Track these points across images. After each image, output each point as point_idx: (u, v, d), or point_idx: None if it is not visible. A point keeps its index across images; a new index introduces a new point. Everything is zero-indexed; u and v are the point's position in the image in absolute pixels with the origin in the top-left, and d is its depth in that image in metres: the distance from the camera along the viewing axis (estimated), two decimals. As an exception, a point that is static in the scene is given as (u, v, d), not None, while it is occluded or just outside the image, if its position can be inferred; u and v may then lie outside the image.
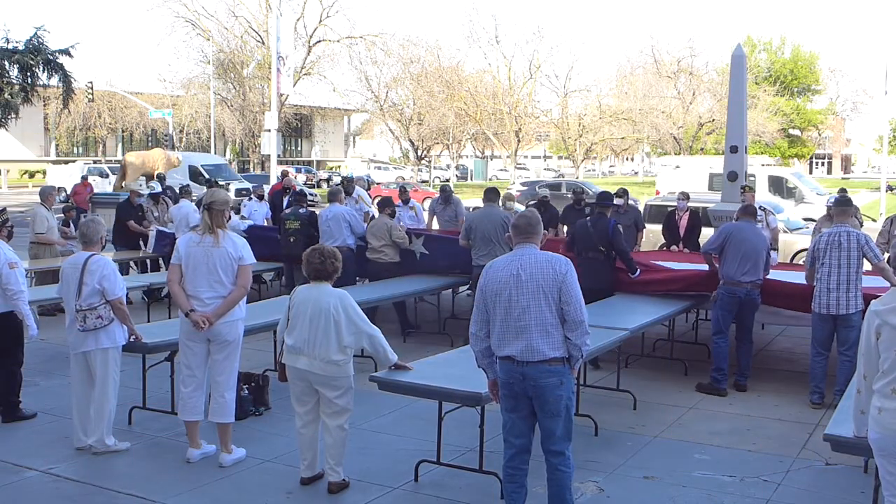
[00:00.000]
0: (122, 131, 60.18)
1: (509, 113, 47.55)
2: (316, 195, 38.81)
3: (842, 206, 7.72)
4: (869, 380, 3.82)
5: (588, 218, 9.28)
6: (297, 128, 64.54)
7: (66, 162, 60.24)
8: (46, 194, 11.82)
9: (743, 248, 7.75)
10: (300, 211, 10.97)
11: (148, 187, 13.63)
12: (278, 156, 34.03)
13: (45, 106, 46.73)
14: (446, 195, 13.16)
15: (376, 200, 11.94)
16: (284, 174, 17.24)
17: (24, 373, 7.01)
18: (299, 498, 5.37)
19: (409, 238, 10.29)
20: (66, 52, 27.50)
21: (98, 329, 5.96)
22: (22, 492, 5.44)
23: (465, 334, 5.29)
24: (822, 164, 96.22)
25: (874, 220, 26.88)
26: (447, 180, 51.83)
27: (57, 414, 6.90)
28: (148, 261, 12.59)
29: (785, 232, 14.43)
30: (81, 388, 6.14)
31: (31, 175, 57.56)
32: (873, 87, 68.22)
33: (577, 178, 48.39)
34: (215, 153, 49.77)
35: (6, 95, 26.66)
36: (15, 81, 27.02)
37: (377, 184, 38.09)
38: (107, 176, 35.95)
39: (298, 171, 51.64)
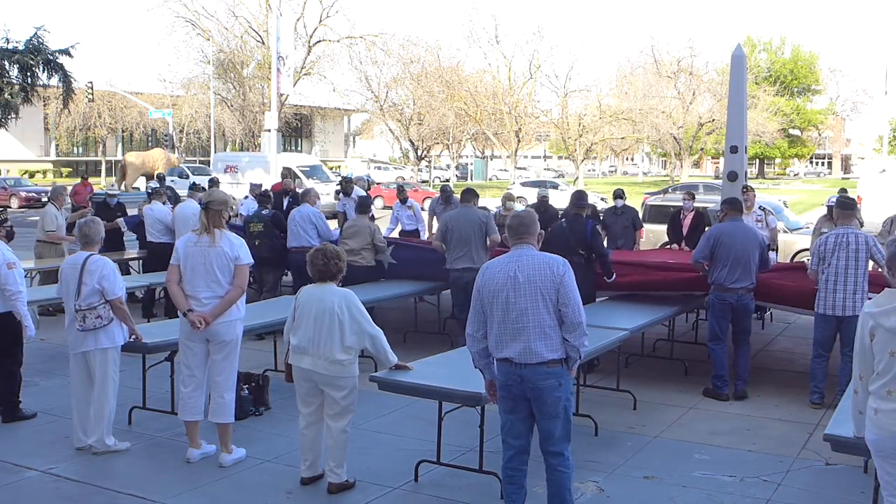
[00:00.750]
0: (122, 131, 60.13)
1: (509, 113, 47.54)
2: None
3: (845, 210, 7.52)
4: (864, 381, 3.83)
5: (563, 220, 8.89)
6: (297, 128, 64.50)
7: (70, 163, 60.34)
8: (57, 194, 11.81)
9: (732, 252, 7.50)
10: (263, 212, 10.61)
11: (148, 187, 13.53)
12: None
13: (45, 106, 46.68)
14: (447, 195, 13.15)
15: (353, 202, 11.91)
16: (285, 174, 17.26)
17: (24, 373, 7.01)
18: (299, 498, 5.37)
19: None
20: (66, 52, 27.47)
21: (98, 329, 5.96)
22: (22, 492, 5.44)
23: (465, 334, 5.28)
24: (822, 164, 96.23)
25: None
26: (447, 180, 51.83)
27: (57, 414, 6.90)
28: (133, 262, 12.52)
29: (785, 232, 14.44)
30: (81, 388, 6.14)
31: (31, 175, 57.55)
32: (873, 87, 68.37)
33: (578, 178, 48.41)
34: (215, 153, 49.79)
35: (6, 95, 26.64)
36: (15, 81, 26.99)
37: (377, 184, 38.09)
38: (187, 176, 34.18)
39: (298, 170, 51.58)
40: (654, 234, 14.43)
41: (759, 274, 7.70)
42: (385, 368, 5.66)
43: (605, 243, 12.21)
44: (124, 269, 11.76)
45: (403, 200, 13.43)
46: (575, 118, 49.42)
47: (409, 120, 51.29)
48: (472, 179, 64.89)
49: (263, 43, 44.51)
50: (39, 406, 7.06)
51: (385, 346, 5.44)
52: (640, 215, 13.95)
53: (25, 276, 7.36)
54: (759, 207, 11.29)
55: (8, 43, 26.50)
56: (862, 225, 11.48)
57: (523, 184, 38.28)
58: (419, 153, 53.76)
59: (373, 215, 10.24)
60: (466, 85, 49.13)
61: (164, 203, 11.65)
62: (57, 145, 60.27)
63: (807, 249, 12.35)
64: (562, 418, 4.53)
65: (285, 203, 13.96)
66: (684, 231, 11.78)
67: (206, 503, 5.31)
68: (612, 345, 6.97)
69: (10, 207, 32.54)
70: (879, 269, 7.07)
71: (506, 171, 61.63)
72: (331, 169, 65.79)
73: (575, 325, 4.42)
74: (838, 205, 7.74)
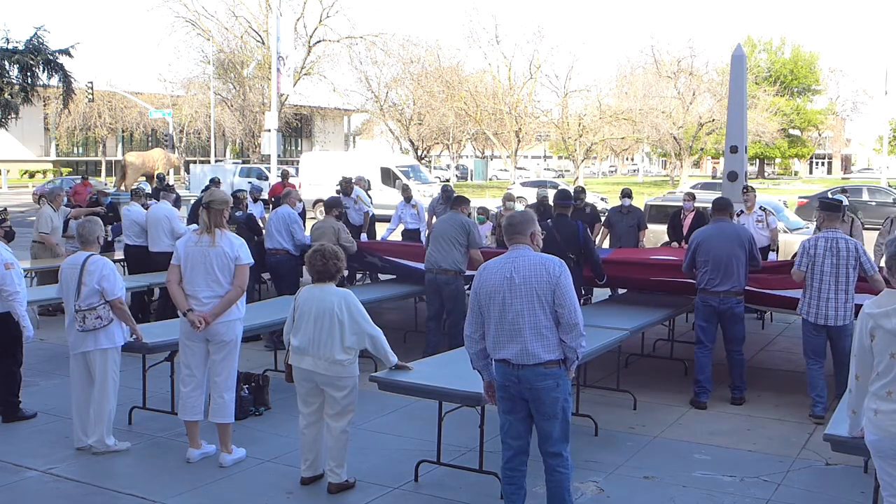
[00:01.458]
0: (122, 131, 60.18)
1: (509, 113, 47.52)
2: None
3: (830, 211, 7.17)
4: (861, 380, 3.82)
5: (549, 221, 8.39)
6: (297, 128, 64.56)
7: (70, 163, 60.32)
8: (54, 195, 11.79)
9: (711, 254, 7.27)
10: (237, 214, 10.26)
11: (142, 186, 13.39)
12: (278, 156, 33.99)
13: (45, 106, 46.70)
14: (447, 195, 13.13)
15: (320, 201, 11.82)
16: (285, 174, 17.24)
17: (24, 373, 7.01)
18: (299, 498, 5.37)
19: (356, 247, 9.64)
20: (66, 52, 27.46)
21: (97, 329, 5.96)
22: (22, 492, 5.44)
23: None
24: (822, 164, 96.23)
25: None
26: (447, 180, 51.82)
27: (57, 414, 6.90)
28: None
29: (785, 232, 14.43)
30: (81, 389, 6.14)
31: (31, 175, 57.57)
32: (873, 87, 68.36)
33: (578, 178, 48.38)
34: (215, 153, 49.81)
35: (6, 95, 26.63)
36: (15, 81, 26.98)
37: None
38: (266, 178, 32.54)
39: (298, 171, 51.61)
40: (654, 234, 14.42)
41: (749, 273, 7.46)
42: (385, 368, 5.67)
43: (607, 242, 12.28)
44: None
45: (408, 199, 13.42)
46: (575, 118, 49.39)
47: (409, 120, 51.28)
48: (472, 179, 64.87)
49: (263, 43, 44.51)
50: (39, 406, 7.06)
51: (385, 346, 5.44)
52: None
53: (24, 277, 7.34)
54: (760, 208, 11.28)
55: (8, 43, 26.49)
56: (862, 225, 11.46)
57: (523, 184, 38.25)
58: (419, 153, 53.74)
59: (341, 212, 9.91)
60: (466, 85, 49.10)
61: (143, 205, 11.46)
62: (57, 145, 60.31)
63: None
64: (560, 419, 4.52)
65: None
66: (684, 231, 11.77)
67: (206, 503, 5.31)
68: (612, 345, 6.97)
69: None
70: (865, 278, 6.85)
71: (506, 171, 61.61)
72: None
73: (571, 327, 4.41)
74: (823, 206, 7.35)
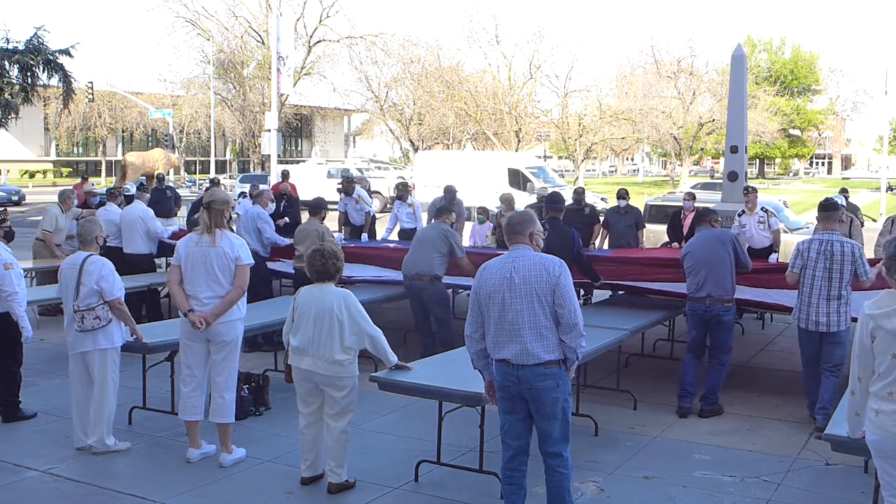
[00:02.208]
0: (123, 131, 60.20)
1: (509, 113, 47.50)
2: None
3: (828, 212, 6.89)
4: (864, 382, 3.82)
5: (543, 223, 8.46)
6: (297, 128, 64.57)
7: (70, 163, 60.28)
8: (64, 197, 11.74)
9: (695, 259, 7.13)
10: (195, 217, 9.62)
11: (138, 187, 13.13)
12: (278, 156, 33.97)
13: (45, 106, 46.69)
14: (450, 196, 13.07)
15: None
16: (285, 174, 17.24)
17: (24, 373, 7.01)
18: (299, 498, 5.37)
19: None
20: (66, 52, 27.46)
21: (96, 330, 5.96)
22: (22, 492, 5.44)
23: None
24: (822, 164, 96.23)
25: (874, 220, 26.90)
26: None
27: (57, 414, 6.90)
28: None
29: (785, 232, 14.43)
30: (80, 389, 6.14)
31: (32, 175, 57.57)
32: (873, 87, 68.27)
33: (578, 178, 48.37)
34: (215, 153, 49.81)
35: (6, 95, 26.63)
36: (15, 81, 26.97)
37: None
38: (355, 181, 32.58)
39: (298, 171, 51.63)
40: (654, 234, 14.42)
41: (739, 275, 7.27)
42: (385, 368, 5.67)
43: (606, 243, 12.28)
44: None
45: (403, 198, 13.38)
46: (575, 118, 49.39)
47: (409, 120, 51.26)
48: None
49: (263, 43, 44.50)
50: (39, 406, 7.06)
51: (385, 346, 5.44)
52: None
53: (25, 277, 7.33)
54: (762, 209, 11.27)
55: (8, 43, 26.49)
56: (862, 225, 11.47)
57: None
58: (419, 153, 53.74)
59: (324, 215, 9.63)
60: (466, 85, 49.07)
61: (119, 205, 11.29)
62: (57, 145, 60.32)
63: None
64: (560, 419, 4.52)
65: (281, 206, 13.95)
66: (684, 231, 11.78)
67: (206, 503, 5.31)
68: (612, 345, 6.97)
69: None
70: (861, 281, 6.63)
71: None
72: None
73: (571, 327, 4.41)
74: (820, 207, 7.05)
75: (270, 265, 10.19)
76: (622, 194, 12.17)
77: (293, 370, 5.43)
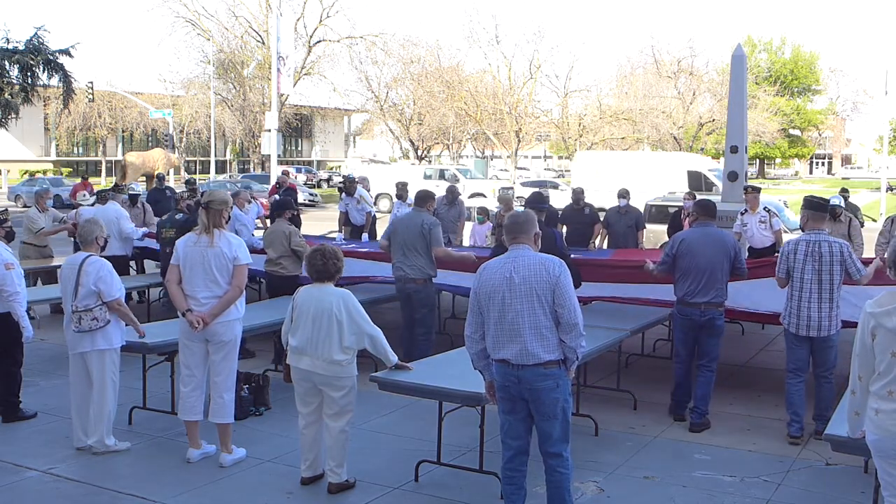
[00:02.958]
0: (123, 131, 60.21)
1: (509, 113, 47.49)
2: (317, 195, 38.85)
3: (816, 211, 6.55)
4: (864, 381, 3.82)
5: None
6: (297, 128, 64.56)
7: (70, 163, 60.28)
8: (38, 197, 11.71)
9: (694, 262, 6.69)
10: (176, 217, 9.61)
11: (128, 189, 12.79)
12: (278, 156, 34.00)
13: (45, 106, 46.76)
14: (452, 196, 13.07)
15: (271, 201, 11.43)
16: (285, 174, 17.24)
17: (24, 373, 7.01)
18: (299, 498, 5.37)
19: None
20: (66, 52, 27.50)
21: (94, 330, 5.95)
22: (22, 492, 5.44)
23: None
24: (822, 164, 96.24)
25: (874, 220, 26.90)
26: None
27: (57, 414, 6.90)
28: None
29: (785, 232, 14.44)
30: (80, 389, 6.14)
31: (32, 175, 57.55)
32: (873, 87, 68.18)
33: (483, 177, 48.17)
34: (215, 153, 49.81)
35: (6, 95, 26.66)
36: (15, 81, 27.02)
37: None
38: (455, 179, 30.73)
39: (299, 171, 51.74)
40: (654, 235, 14.42)
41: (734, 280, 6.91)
42: (385, 368, 5.67)
43: (605, 243, 12.28)
44: (50, 279, 10.91)
45: (402, 198, 13.38)
46: (575, 118, 49.40)
47: (410, 120, 51.26)
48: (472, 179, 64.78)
49: (263, 43, 44.51)
50: (39, 406, 7.06)
51: (385, 345, 5.45)
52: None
53: (25, 277, 7.33)
54: (764, 209, 11.27)
55: (8, 43, 26.52)
56: (862, 225, 11.47)
57: (523, 184, 38.26)
58: (419, 153, 53.72)
59: (293, 215, 9.08)
60: (467, 85, 49.06)
61: (121, 204, 11.07)
62: (57, 145, 60.33)
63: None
64: (560, 419, 4.52)
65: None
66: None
67: (205, 503, 5.31)
68: (612, 345, 6.97)
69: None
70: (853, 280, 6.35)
71: (506, 170, 61.62)
72: (330, 169, 66.10)
73: (571, 326, 4.41)
74: (807, 205, 6.64)
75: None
76: (622, 194, 12.16)
77: (292, 370, 5.43)
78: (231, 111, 48.60)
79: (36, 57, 26.49)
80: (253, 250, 9.77)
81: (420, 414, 6.81)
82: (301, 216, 14.52)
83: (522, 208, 7.65)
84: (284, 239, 8.60)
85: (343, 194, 13.97)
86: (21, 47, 26.48)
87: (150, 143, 58.46)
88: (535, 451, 4.67)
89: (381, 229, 14.19)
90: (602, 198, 14.30)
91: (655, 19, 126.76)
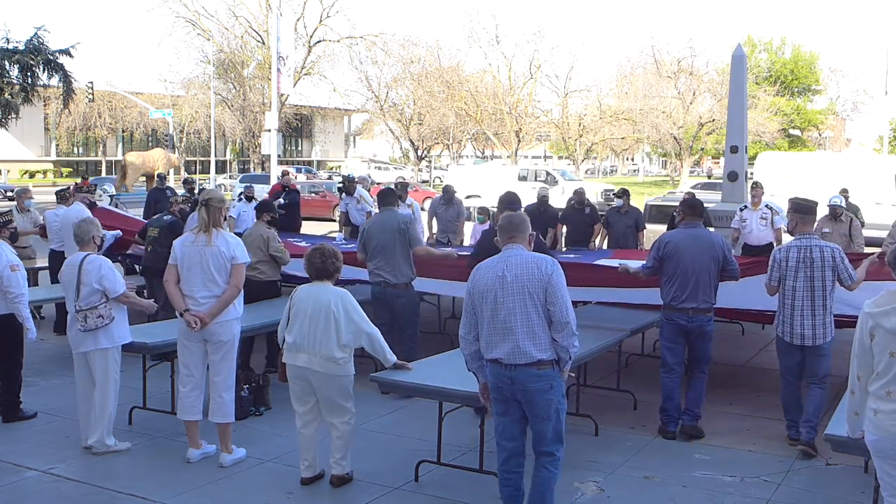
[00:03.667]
0: (123, 131, 60.24)
1: (509, 113, 47.53)
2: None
3: (803, 214, 6.30)
4: (863, 381, 3.82)
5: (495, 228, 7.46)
6: (297, 128, 64.58)
7: (70, 163, 60.24)
8: (17, 195, 11.62)
9: (681, 266, 6.37)
10: (164, 218, 9.42)
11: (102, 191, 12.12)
12: (278, 156, 34.02)
13: (45, 106, 46.77)
14: (449, 195, 13.09)
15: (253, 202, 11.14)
16: (285, 174, 17.25)
17: (25, 373, 7.01)
18: (299, 498, 5.37)
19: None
20: (66, 52, 27.51)
21: (98, 329, 5.96)
22: (22, 492, 5.44)
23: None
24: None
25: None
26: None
27: (57, 414, 6.90)
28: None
29: (786, 232, 14.43)
30: (83, 388, 6.14)
31: (32, 175, 57.58)
32: (873, 87, 68.32)
33: (578, 178, 48.40)
34: (215, 153, 49.82)
35: (6, 95, 26.67)
36: (15, 81, 27.03)
37: (377, 184, 38.09)
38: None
39: (299, 171, 51.68)
40: (654, 235, 14.40)
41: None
42: (385, 368, 5.67)
43: (606, 243, 12.27)
44: (32, 279, 10.34)
45: (403, 198, 13.38)
46: (575, 118, 49.44)
47: (410, 120, 51.29)
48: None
49: (264, 43, 44.53)
50: (39, 406, 7.05)
51: (383, 345, 5.46)
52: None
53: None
54: (766, 206, 11.30)
55: (8, 43, 26.53)
56: (863, 225, 11.46)
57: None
58: (419, 153, 53.77)
59: (274, 217, 8.67)
60: (467, 85, 49.10)
61: (116, 205, 11.06)
62: (57, 145, 60.36)
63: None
64: (553, 420, 4.50)
65: (282, 198, 13.97)
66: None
67: (205, 503, 5.31)
68: (612, 345, 6.97)
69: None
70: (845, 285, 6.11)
71: (506, 171, 61.56)
72: (330, 169, 66.10)
73: (563, 325, 4.39)
74: (796, 209, 6.38)
75: None
76: (618, 193, 12.16)
77: (287, 367, 5.42)
78: (231, 111, 48.62)
79: (36, 57, 26.50)
80: None
81: (420, 414, 6.81)
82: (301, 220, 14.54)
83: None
84: (262, 243, 8.21)
85: (343, 194, 13.98)
86: (21, 47, 26.49)
87: (150, 143, 58.48)
88: (530, 451, 4.66)
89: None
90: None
91: (655, 19, 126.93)
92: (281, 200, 13.44)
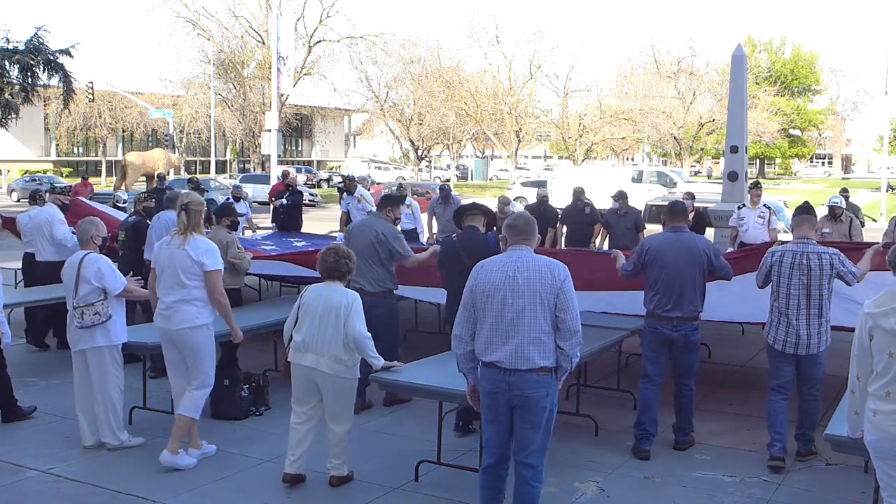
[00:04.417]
0: (123, 131, 60.22)
1: (510, 113, 47.56)
2: (317, 195, 38.87)
3: (803, 216, 6.01)
4: (862, 381, 3.82)
5: (454, 235, 6.94)
6: (297, 128, 64.57)
7: (70, 163, 60.23)
8: None
9: (663, 273, 6.03)
10: (129, 220, 9.18)
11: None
12: (279, 156, 34.03)
13: (45, 106, 46.78)
14: (445, 194, 13.12)
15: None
16: (285, 174, 17.27)
17: (24, 372, 7.03)
18: (299, 498, 5.37)
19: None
20: (66, 52, 27.52)
21: (95, 326, 5.95)
22: (22, 492, 5.44)
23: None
24: (823, 164, 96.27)
25: (875, 220, 26.92)
26: (447, 180, 51.86)
27: (57, 414, 6.90)
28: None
29: (785, 232, 14.43)
30: (83, 387, 6.14)
31: (32, 175, 57.52)
32: (873, 87, 68.21)
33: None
34: (215, 153, 49.83)
35: (6, 95, 26.68)
36: (15, 81, 27.04)
37: (377, 184, 38.12)
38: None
39: (299, 170, 51.72)
40: (654, 235, 14.42)
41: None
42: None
43: (606, 243, 12.27)
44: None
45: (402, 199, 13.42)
46: (575, 118, 49.46)
47: (410, 120, 51.33)
48: (472, 179, 64.95)
49: (264, 43, 44.55)
50: (39, 406, 7.05)
51: (369, 349, 5.34)
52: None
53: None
54: (764, 205, 11.32)
55: (8, 43, 26.54)
56: (863, 225, 11.48)
57: (523, 184, 38.28)
58: (419, 153, 53.80)
59: (235, 221, 8.04)
60: (467, 85, 49.16)
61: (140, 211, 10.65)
62: (57, 145, 60.36)
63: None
64: (543, 429, 4.40)
65: (285, 197, 14.00)
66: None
67: (205, 503, 5.31)
68: (612, 345, 6.97)
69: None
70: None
71: (506, 171, 61.68)
72: (330, 169, 66.11)
73: (572, 333, 4.31)
74: (797, 209, 6.15)
75: None
76: (615, 196, 12.15)
77: (293, 367, 5.39)
78: (231, 111, 48.64)
79: (36, 57, 26.50)
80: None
81: (420, 414, 6.81)
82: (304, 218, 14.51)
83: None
84: (221, 249, 7.47)
85: (344, 194, 14.00)
86: (21, 47, 26.50)
87: (150, 143, 58.48)
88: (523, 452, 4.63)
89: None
90: None
91: (655, 19, 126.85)
92: (283, 201, 13.50)
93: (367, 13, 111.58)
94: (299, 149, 74.85)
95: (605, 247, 12.18)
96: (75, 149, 63.38)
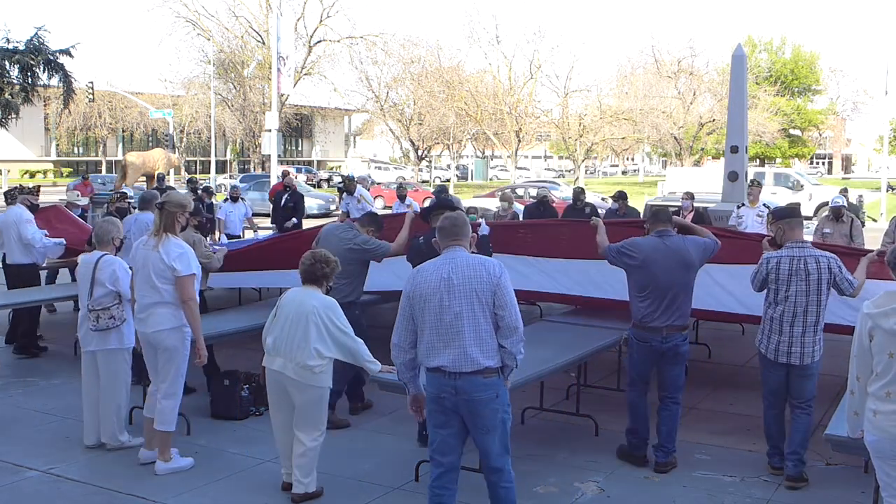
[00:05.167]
0: (123, 131, 60.25)
1: (510, 113, 47.53)
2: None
3: (795, 219, 5.73)
4: (862, 382, 3.82)
5: (421, 238, 6.50)
6: (297, 128, 64.60)
7: (70, 163, 60.26)
8: None
9: (651, 279, 5.69)
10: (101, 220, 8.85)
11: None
12: (279, 156, 34.01)
13: (45, 106, 46.75)
14: (441, 192, 13.12)
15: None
16: (285, 174, 17.28)
17: (24, 372, 7.01)
18: (299, 498, 5.37)
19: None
20: (66, 52, 27.48)
21: (109, 329, 5.95)
22: (22, 492, 5.44)
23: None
24: (823, 164, 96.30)
25: (875, 220, 26.92)
26: (447, 180, 51.88)
27: (57, 414, 6.90)
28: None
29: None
30: (91, 387, 6.12)
31: (32, 175, 57.57)
32: (873, 87, 68.22)
33: (578, 178, 48.40)
34: (215, 153, 49.83)
35: (6, 95, 26.65)
36: (15, 81, 27.00)
37: (377, 184, 38.14)
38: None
39: (299, 171, 51.73)
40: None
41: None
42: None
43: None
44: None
45: (402, 198, 13.44)
46: (575, 118, 49.41)
47: (410, 120, 51.33)
48: (472, 179, 64.98)
49: (264, 43, 44.53)
50: (40, 406, 7.05)
51: (365, 356, 5.26)
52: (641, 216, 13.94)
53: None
54: (763, 204, 11.33)
55: (8, 43, 26.52)
56: (863, 224, 11.49)
57: (524, 184, 38.29)
58: (419, 153, 53.80)
59: (200, 221, 7.77)
60: (467, 85, 49.13)
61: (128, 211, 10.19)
62: (57, 145, 60.38)
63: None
64: (499, 431, 4.28)
65: (283, 200, 14.01)
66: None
67: (205, 503, 5.31)
68: (612, 344, 6.97)
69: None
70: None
71: (506, 170, 61.69)
72: (330, 169, 66.12)
73: (512, 330, 4.21)
74: (782, 213, 5.91)
75: None
76: (620, 196, 12.15)
77: (266, 372, 5.27)
78: (231, 111, 48.64)
79: (36, 57, 26.47)
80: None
81: (420, 414, 6.80)
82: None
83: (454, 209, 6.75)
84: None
85: (344, 194, 14.02)
86: (21, 47, 26.46)
87: (150, 143, 58.49)
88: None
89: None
90: None
91: (655, 19, 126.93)
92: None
93: (367, 13, 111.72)
94: (299, 149, 74.87)
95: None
96: (75, 149, 63.40)
